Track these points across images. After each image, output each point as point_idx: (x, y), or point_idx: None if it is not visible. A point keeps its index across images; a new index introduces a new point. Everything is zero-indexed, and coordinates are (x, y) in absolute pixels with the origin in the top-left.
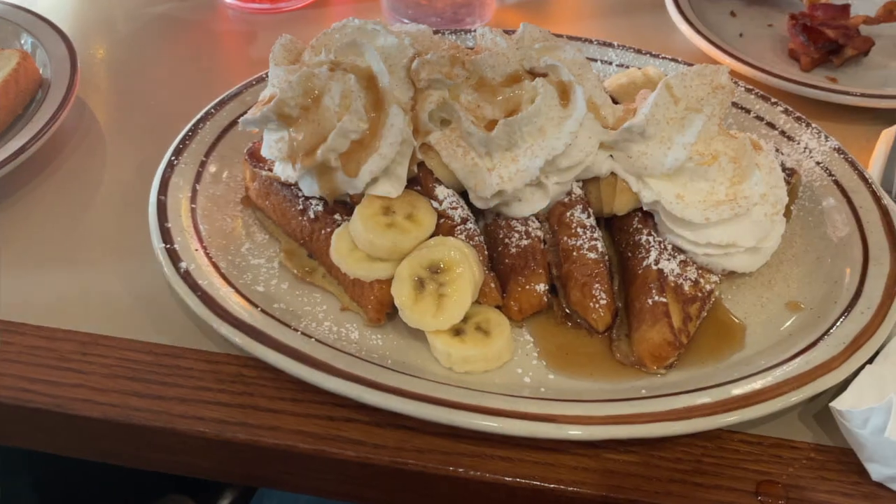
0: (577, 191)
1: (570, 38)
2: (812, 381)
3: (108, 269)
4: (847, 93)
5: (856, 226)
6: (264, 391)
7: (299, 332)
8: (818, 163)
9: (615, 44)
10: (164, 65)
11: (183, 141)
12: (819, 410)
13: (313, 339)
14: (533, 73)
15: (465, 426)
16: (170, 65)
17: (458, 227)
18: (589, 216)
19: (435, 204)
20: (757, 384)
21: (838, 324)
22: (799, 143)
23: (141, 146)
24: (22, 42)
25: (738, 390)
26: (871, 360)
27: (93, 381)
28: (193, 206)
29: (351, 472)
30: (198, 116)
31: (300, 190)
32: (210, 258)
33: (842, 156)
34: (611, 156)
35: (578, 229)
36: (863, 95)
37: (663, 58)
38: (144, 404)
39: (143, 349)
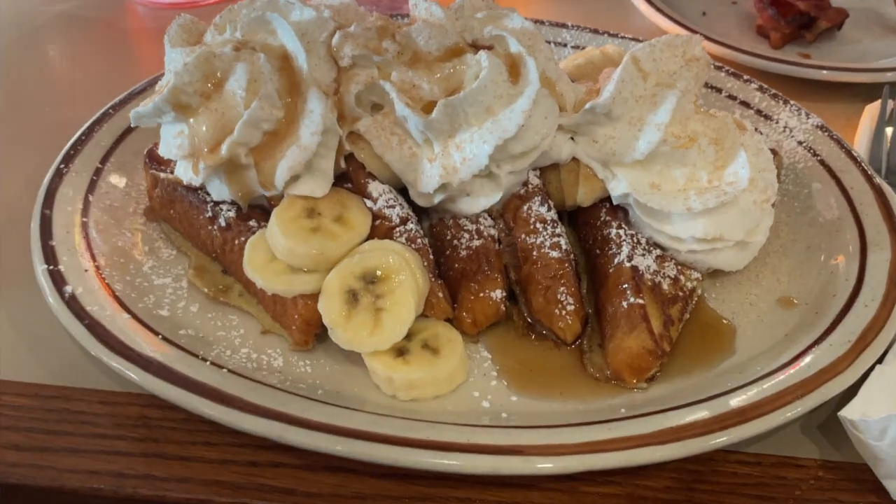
0: (535, 180)
1: None
2: (817, 388)
3: None
4: (824, 67)
5: (848, 208)
6: (172, 435)
7: (209, 363)
8: (800, 142)
9: (569, 24)
10: (63, 67)
11: (75, 146)
12: (824, 420)
13: (225, 370)
14: (476, 46)
15: (413, 466)
16: (70, 67)
17: (397, 229)
18: (549, 209)
19: (369, 203)
20: (754, 395)
21: (841, 320)
22: (777, 123)
23: (32, 157)
24: None
25: (733, 403)
26: (880, 360)
27: None
28: (85, 219)
29: None
30: (93, 118)
31: (209, 194)
32: (103, 280)
33: (826, 133)
34: (572, 138)
35: (538, 225)
36: (841, 70)
37: (623, 37)
38: (26, 459)
39: (26, 392)
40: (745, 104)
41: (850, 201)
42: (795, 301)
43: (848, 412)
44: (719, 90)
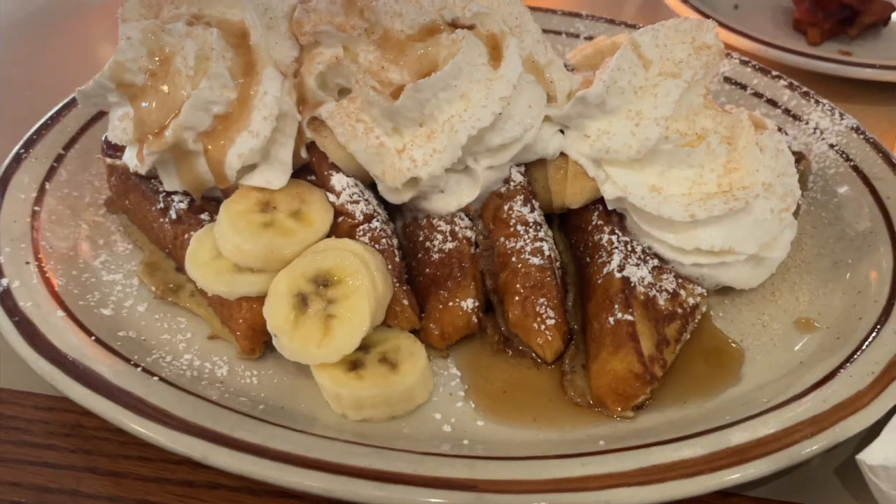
0: (518, 178)
1: (531, 9)
2: (832, 426)
3: None
4: (867, 65)
5: (882, 221)
6: (106, 447)
7: (140, 369)
8: (832, 145)
9: (583, 14)
10: (51, 54)
11: (38, 131)
12: (841, 463)
13: (156, 379)
14: (456, 26)
15: (350, 498)
16: (60, 54)
17: (361, 227)
18: (533, 210)
19: (332, 197)
20: (757, 430)
21: (865, 346)
22: (808, 123)
23: (6, 144)
24: None
25: (730, 439)
26: None
27: None
28: (37, 208)
29: None
30: (63, 102)
31: (161, 184)
32: (43, 273)
33: (861, 136)
34: (561, 131)
35: (518, 227)
36: (887, 68)
37: (640, 27)
38: None
39: None
40: (772, 102)
41: (886, 213)
42: (816, 324)
43: (867, 456)
44: (744, 87)
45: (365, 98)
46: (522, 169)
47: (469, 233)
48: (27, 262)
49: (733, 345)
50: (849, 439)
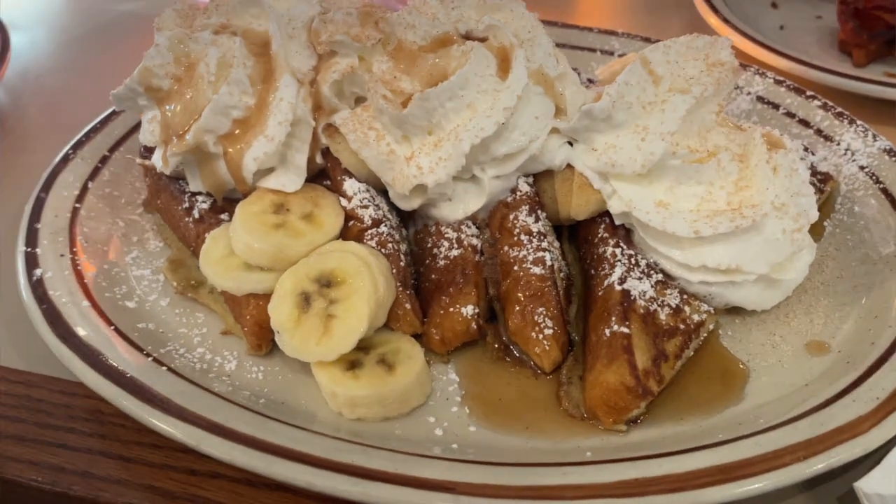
0: (525, 188)
1: (564, 26)
2: (827, 450)
3: None
4: None
5: None
6: (120, 433)
7: (150, 359)
8: (862, 167)
9: (619, 32)
10: (121, 65)
11: (88, 133)
12: (844, 493)
13: (164, 368)
14: (470, 38)
15: (324, 491)
16: (119, 64)
17: (369, 231)
18: (538, 220)
19: (344, 202)
20: (748, 450)
21: (873, 372)
22: (839, 144)
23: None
24: None
25: (720, 457)
26: None
27: None
28: (77, 205)
29: None
30: (113, 108)
31: (188, 184)
32: (76, 266)
33: (894, 158)
34: (570, 143)
35: (522, 236)
36: None
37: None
38: None
39: None
40: (805, 122)
41: None
42: (829, 347)
43: (865, 484)
44: (777, 106)
45: (376, 106)
46: (530, 179)
47: (475, 240)
48: (62, 255)
49: (739, 364)
50: (857, 467)
